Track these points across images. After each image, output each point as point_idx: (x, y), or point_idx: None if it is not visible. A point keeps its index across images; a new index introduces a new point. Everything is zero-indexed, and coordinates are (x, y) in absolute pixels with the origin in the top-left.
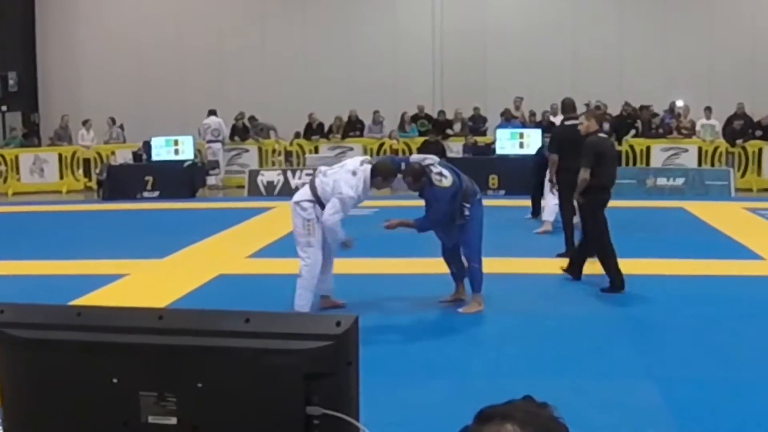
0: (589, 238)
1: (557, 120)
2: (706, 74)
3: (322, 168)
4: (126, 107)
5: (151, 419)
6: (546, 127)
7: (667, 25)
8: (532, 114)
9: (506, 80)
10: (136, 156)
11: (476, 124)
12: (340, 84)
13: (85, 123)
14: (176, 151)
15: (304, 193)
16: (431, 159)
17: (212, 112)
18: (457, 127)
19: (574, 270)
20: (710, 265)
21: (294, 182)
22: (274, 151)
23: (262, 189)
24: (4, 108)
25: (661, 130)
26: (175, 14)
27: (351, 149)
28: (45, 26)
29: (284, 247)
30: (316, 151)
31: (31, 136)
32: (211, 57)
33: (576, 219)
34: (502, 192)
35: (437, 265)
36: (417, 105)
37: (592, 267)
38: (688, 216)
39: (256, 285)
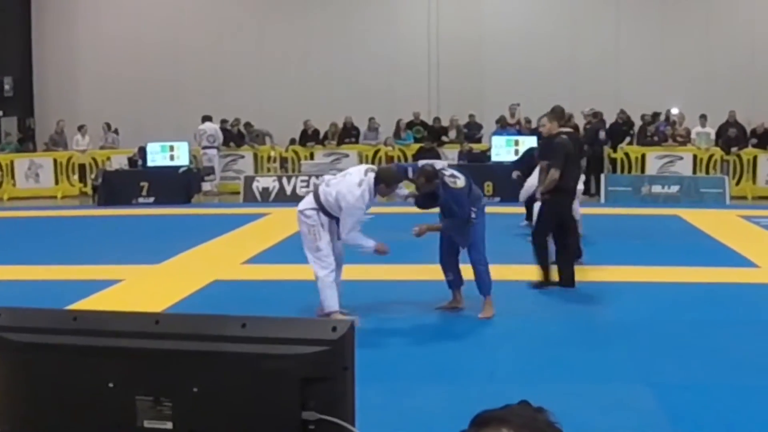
0: (534, 231)
1: None
2: (702, 82)
3: (326, 177)
4: (122, 113)
5: (146, 423)
6: (540, 134)
7: (664, 32)
8: (528, 121)
9: (502, 87)
10: (132, 162)
11: (471, 131)
12: (335, 90)
13: (80, 128)
14: (172, 157)
15: (308, 202)
16: (441, 164)
17: (207, 118)
18: (453, 134)
19: (567, 279)
20: (705, 273)
21: (289, 188)
22: (269, 157)
23: (258, 195)
24: None
25: (656, 138)
26: (171, 21)
27: (346, 156)
28: (41, 31)
29: (279, 253)
30: (312, 157)
31: (26, 142)
32: (207, 63)
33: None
34: (497, 199)
35: (432, 272)
36: (412, 112)
37: (587, 274)
38: (682, 223)
39: (252, 291)
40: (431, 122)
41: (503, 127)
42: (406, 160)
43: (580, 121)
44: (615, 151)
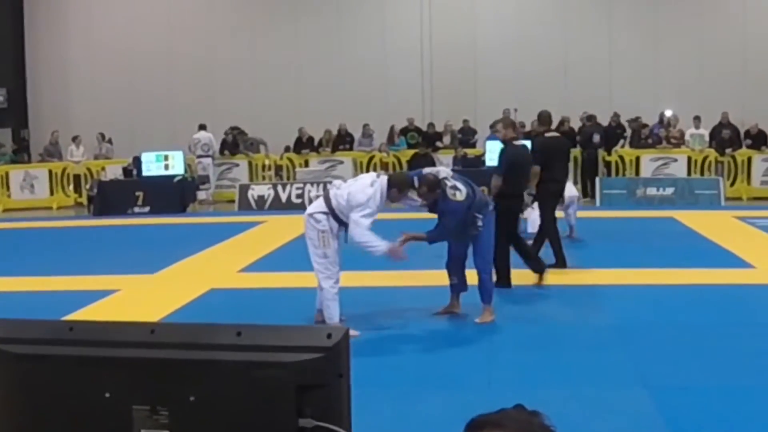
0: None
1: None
2: (695, 84)
3: (336, 182)
4: (116, 123)
5: None
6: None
7: (657, 36)
8: (522, 125)
9: (496, 92)
10: (127, 171)
11: (466, 136)
12: (329, 97)
13: (74, 139)
14: (166, 166)
15: (318, 206)
16: (445, 172)
17: (202, 127)
18: (447, 139)
19: (503, 279)
20: (701, 275)
21: (284, 196)
22: (264, 165)
23: (253, 203)
24: None
25: (650, 141)
26: (164, 30)
27: (341, 162)
28: (34, 42)
29: (276, 261)
30: (306, 164)
31: (21, 153)
32: (201, 72)
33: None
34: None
35: (430, 278)
36: (406, 117)
37: (583, 278)
38: (678, 225)
39: (248, 299)
40: (425, 128)
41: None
42: (400, 166)
43: (577, 125)
44: (609, 154)
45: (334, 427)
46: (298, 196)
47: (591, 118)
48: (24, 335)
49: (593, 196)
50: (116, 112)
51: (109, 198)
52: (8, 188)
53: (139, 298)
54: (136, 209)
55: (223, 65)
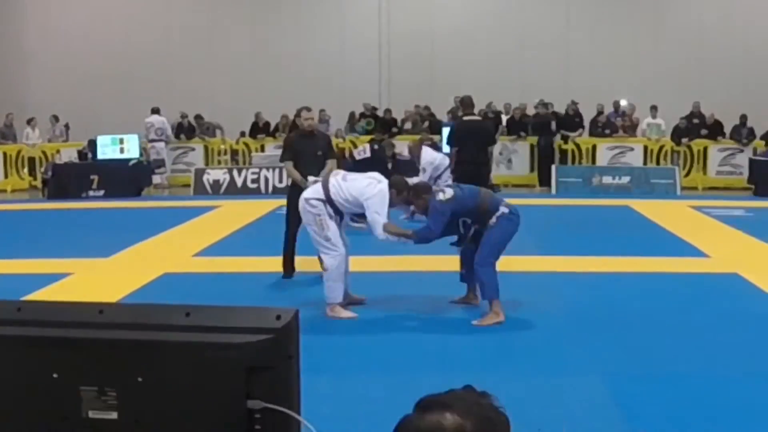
0: None
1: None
2: (652, 73)
3: (342, 172)
4: (72, 106)
5: (91, 414)
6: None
7: (614, 24)
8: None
9: (454, 78)
10: (82, 155)
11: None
12: (286, 83)
13: (29, 122)
14: (122, 150)
15: (314, 191)
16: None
17: (155, 111)
18: (408, 125)
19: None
20: (656, 263)
21: (239, 181)
22: (220, 150)
23: (208, 188)
24: None
25: (607, 130)
26: (121, 14)
27: None
28: None
29: (230, 245)
30: (263, 149)
31: None
32: (158, 56)
33: None
34: None
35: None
36: (363, 103)
37: (537, 265)
38: (633, 214)
39: (202, 284)
40: (382, 114)
41: (454, 118)
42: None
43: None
44: (566, 142)
45: (283, 409)
46: (254, 181)
47: (546, 105)
48: None
49: (549, 184)
50: (73, 96)
51: (64, 181)
52: None
53: (92, 281)
54: (91, 193)
55: (181, 50)
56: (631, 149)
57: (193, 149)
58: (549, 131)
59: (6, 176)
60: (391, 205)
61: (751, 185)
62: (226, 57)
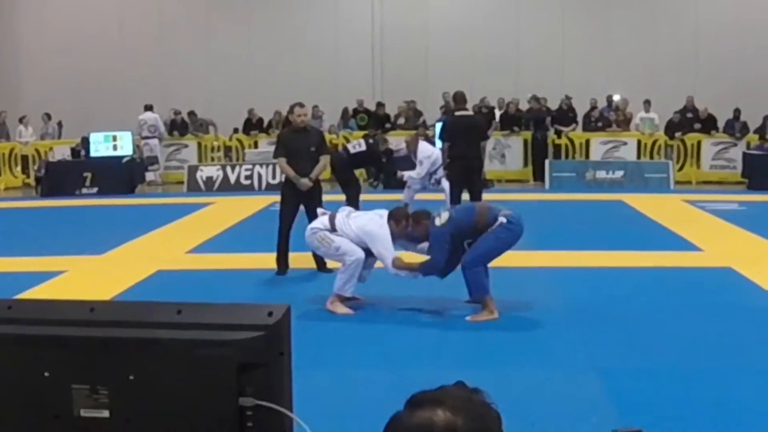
0: None
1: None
2: (646, 68)
3: (348, 208)
4: (66, 104)
5: (83, 412)
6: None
7: (609, 19)
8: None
9: (448, 75)
10: (75, 152)
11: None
12: (279, 79)
13: (21, 120)
14: (115, 147)
15: (320, 222)
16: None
17: (148, 108)
18: (401, 121)
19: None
20: (649, 257)
21: (233, 177)
22: (213, 146)
23: (202, 184)
24: None
25: (600, 124)
26: (114, 11)
27: None
28: None
29: (224, 242)
30: (256, 146)
31: None
32: (151, 53)
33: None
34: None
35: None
36: (356, 99)
37: (532, 260)
38: (627, 208)
39: (196, 281)
40: (375, 109)
41: (446, 114)
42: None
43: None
44: (559, 136)
45: (275, 406)
46: (247, 177)
47: (539, 100)
48: None
49: (542, 179)
50: (66, 93)
51: (57, 179)
52: None
53: (86, 279)
54: (84, 190)
55: (174, 47)
56: (625, 144)
57: (186, 146)
58: (543, 126)
59: None
60: (394, 237)
61: (744, 179)
62: (219, 53)
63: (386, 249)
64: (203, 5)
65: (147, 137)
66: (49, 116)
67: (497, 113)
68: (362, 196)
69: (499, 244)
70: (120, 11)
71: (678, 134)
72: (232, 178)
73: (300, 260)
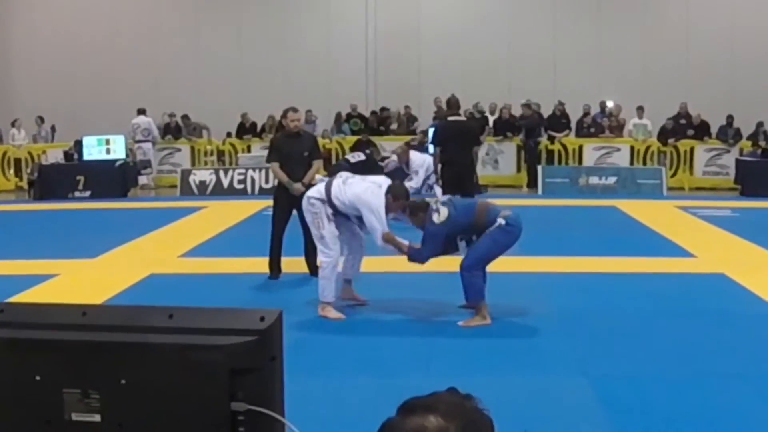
0: None
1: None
2: (639, 74)
3: (345, 174)
4: (59, 107)
5: (74, 416)
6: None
7: (601, 25)
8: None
9: (441, 80)
10: (68, 155)
11: (408, 123)
12: (273, 83)
13: (14, 123)
14: (108, 151)
15: (317, 191)
16: (439, 198)
17: (141, 112)
18: (394, 126)
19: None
20: (642, 263)
21: (226, 182)
22: (206, 150)
23: (195, 188)
24: None
25: (593, 130)
26: (108, 14)
27: None
28: None
29: (216, 246)
30: (249, 150)
31: None
32: (144, 56)
33: None
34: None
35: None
36: (350, 104)
37: (524, 265)
38: (620, 214)
39: (188, 285)
40: (368, 115)
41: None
42: (343, 152)
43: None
44: (552, 142)
45: (266, 411)
46: (240, 181)
47: (530, 106)
48: None
49: (536, 185)
50: (59, 97)
51: (50, 182)
52: None
53: (78, 282)
54: (77, 194)
55: (167, 51)
56: (618, 150)
57: (179, 150)
58: (534, 133)
59: None
60: (388, 210)
61: (737, 185)
62: (212, 57)
63: (378, 221)
64: (196, 9)
65: (140, 141)
66: (42, 119)
67: (491, 119)
68: None
69: (496, 247)
70: (113, 15)
71: (671, 140)
72: (225, 183)
73: (293, 265)
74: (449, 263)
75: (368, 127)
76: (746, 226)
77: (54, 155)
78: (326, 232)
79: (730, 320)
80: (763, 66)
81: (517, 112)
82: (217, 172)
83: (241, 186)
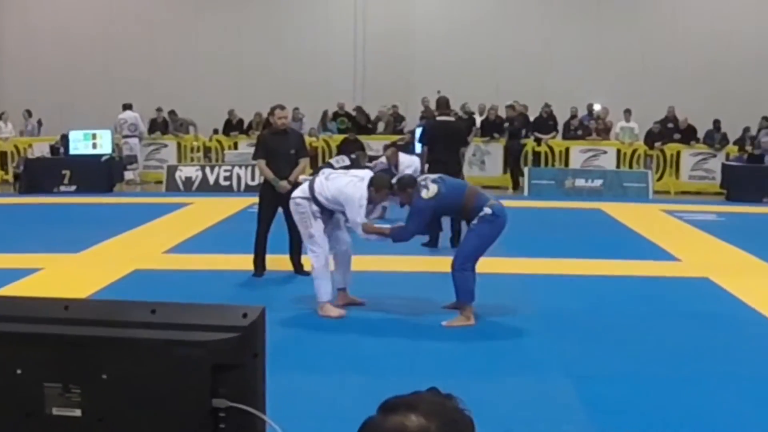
0: None
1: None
2: (627, 77)
3: (327, 170)
4: (47, 101)
5: (55, 411)
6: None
7: (591, 28)
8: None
9: (430, 80)
10: (54, 149)
11: (395, 122)
12: (260, 81)
13: (1, 116)
14: (94, 145)
15: (301, 190)
16: (429, 176)
17: (127, 107)
18: (381, 126)
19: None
20: (627, 266)
21: (212, 178)
22: (192, 147)
23: (180, 184)
24: None
25: (580, 132)
26: (98, 10)
27: None
28: None
29: (201, 243)
30: (236, 147)
31: None
32: (133, 52)
33: None
34: None
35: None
36: (337, 103)
37: (509, 267)
38: (605, 217)
39: (172, 280)
40: (354, 113)
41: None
42: (330, 151)
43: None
44: (539, 144)
45: (248, 408)
46: (226, 178)
47: (515, 108)
48: None
49: (518, 187)
50: (48, 91)
51: (36, 176)
52: None
53: (62, 277)
54: (63, 188)
55: (155, 47)
56: (604, 152)
57: (165, 146)
58: (518, 134)
59: None
60: (370, 201)
61: (723, 190)
62: (200, 54)
63: (359, 214)
64: (184, 7)
65: (127, 136)
66: (29, 113)
67: (478, 119)
68: None
69: (483, 241)
70: (102, 10)
71: (658, 144)
72: (211, 179)
73: (277, 262)
74: (435, 263)
75: (355, 125)
76: (731, 230)
77: (40, 149)
78: (314, 230)
79: (713, 323)
80: (750, 71)
81: (502, 112)
82: (203, 168)
83: (227, 183)
